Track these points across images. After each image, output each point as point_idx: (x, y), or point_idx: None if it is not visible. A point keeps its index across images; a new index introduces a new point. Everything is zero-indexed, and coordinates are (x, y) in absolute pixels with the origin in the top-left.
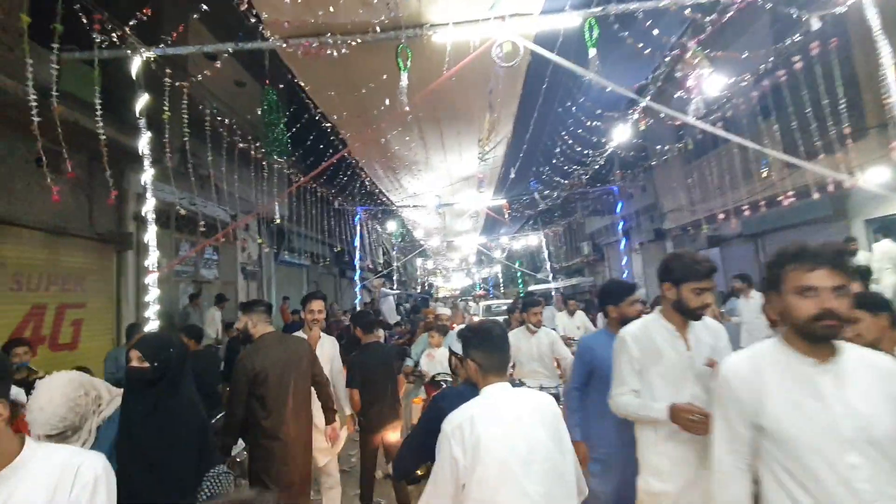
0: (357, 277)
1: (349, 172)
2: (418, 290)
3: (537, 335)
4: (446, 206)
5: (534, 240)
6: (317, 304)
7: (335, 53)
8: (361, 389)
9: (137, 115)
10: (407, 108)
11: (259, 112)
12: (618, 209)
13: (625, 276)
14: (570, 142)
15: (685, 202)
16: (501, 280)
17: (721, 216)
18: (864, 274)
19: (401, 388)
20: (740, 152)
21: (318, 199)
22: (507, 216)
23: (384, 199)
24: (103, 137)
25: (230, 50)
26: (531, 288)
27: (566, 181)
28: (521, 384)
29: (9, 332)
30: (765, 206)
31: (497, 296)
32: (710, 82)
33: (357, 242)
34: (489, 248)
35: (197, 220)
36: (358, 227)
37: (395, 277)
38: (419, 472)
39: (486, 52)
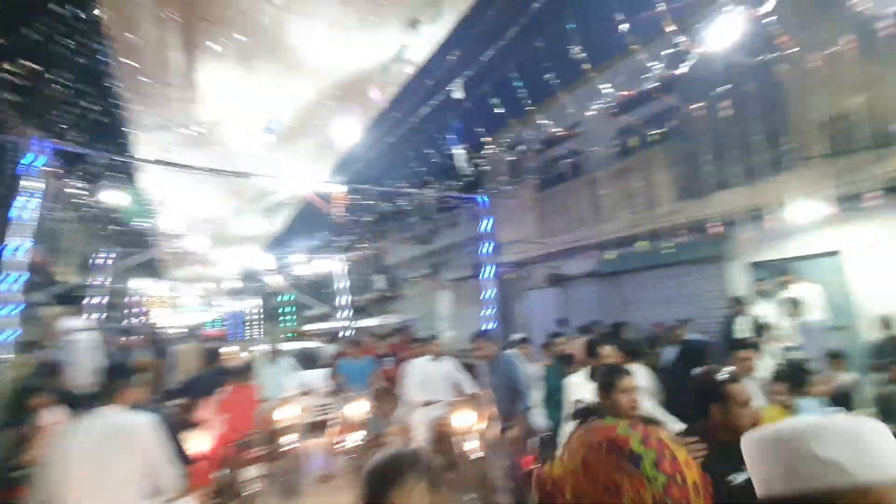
0: None
1: None
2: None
3: None
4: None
5: (327, 265)
6: None
7: None
8: None
9: None
10: None
11: None
12: (483, 226)
13: (492, 313)
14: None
15: (525, 235)
16: (262, 316)
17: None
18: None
19: None
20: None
21: None
22: (340, 212)
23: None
24: None
25: None
26: (309, 327)
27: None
28: None
29: None
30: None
31: (247, 340)
32: None
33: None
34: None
35: None
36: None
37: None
38: None
39: None
